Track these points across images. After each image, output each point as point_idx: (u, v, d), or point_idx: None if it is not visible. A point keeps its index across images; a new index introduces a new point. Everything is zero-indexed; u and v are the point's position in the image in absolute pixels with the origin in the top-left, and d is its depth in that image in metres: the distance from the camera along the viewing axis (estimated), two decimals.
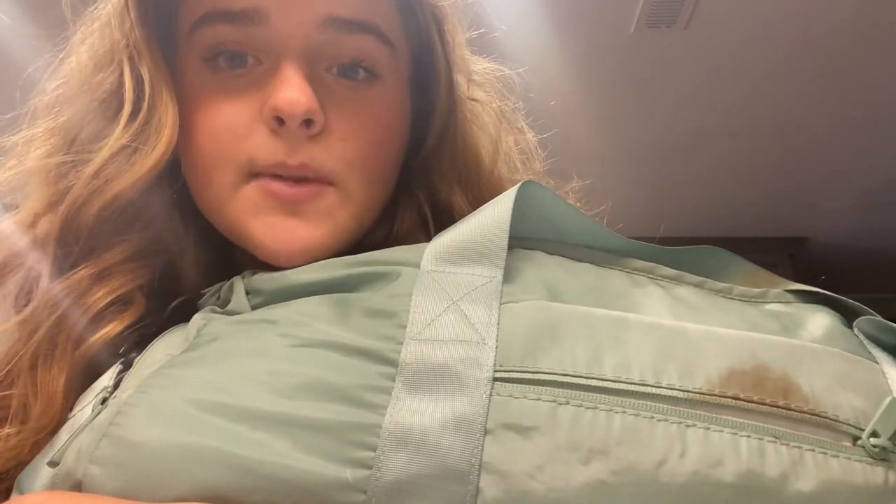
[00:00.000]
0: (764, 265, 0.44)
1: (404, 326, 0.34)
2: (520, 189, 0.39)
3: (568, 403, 0.31)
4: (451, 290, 0.35)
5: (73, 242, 0.47)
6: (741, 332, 0.35)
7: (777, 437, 0.31)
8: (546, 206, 0.41)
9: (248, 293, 0.43)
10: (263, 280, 0.43)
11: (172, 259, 0.51)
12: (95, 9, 0.51)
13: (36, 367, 0.45)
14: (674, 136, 2.73)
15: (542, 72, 2.28)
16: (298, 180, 0.45)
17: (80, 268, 0.47)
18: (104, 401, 0.37)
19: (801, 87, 2.44)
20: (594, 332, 0.34)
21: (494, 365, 0.32)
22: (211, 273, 0.52)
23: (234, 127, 0.45)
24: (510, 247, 0.38)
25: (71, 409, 0.43)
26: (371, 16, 0.47)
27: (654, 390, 0.32)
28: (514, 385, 0.32)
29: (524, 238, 0.41)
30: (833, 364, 0.35)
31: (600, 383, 0.32)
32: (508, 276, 0.37)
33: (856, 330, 0.38)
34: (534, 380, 0.32)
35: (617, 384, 0.32)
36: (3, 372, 0.45)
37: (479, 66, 0.60)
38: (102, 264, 0.47)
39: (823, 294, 0.40)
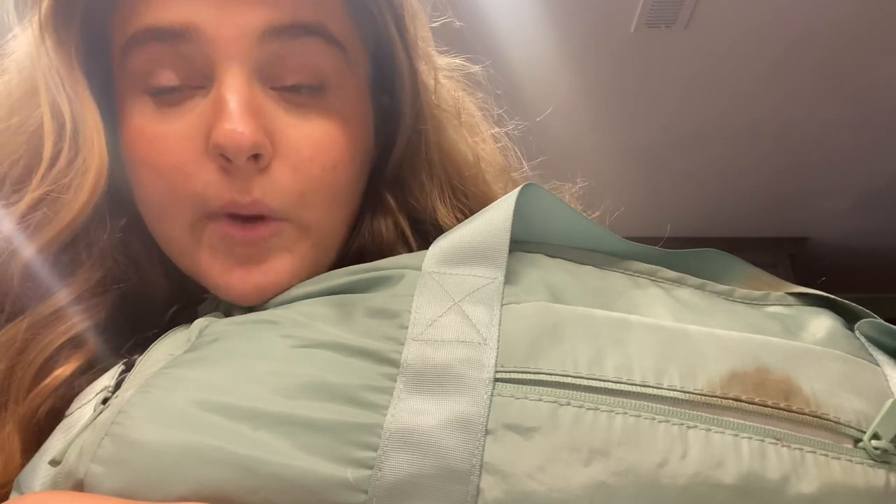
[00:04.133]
0: (764, 265, 0.44)
1: (406, 327, 0.34)
2: (521, 192, 0.39)
3: (569, 404, 0.31)
4: (452, 291, 0.35)
5: (4, 297, 0.44)
6: (743, 333, 0.35)
7: (778, 439, 0.31)
8: (547, 209, 0.41)
9: (251, 309, 0.43)
10: None
11: (131, 289, 0.47)
12: (13, 38, 0.47)
13: None
14: (673, 135, 2.73)
15: (542, 71, 2.28)
16: (253, 219, 0.42)
17: (18, 319, 0.43)
18: (105, 400, 0.37)
19: (801, 86, 2.44)
20: (596, 333, 0.34)
21: (496, 365, 0.32)
22: (185, 288, 0.49)
23: (182, 165, 0.42)
24: (511, 251, 0.38)
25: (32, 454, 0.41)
26: (316, 16, 0.43)
27: (655, 391, 0.32)
28: (516, 386, 0.32)
29: (525, 241, 0.41)
30: (834, 366, 0.35)
31: (602, 384, 0.32)
32: (510, 278, 0.37)
33: (857, 332, 0.38)
34: (535, 380, 0.32)
35: (618, 385, 0.32)
36: None
37: (446, 61, 0.56)
38: (45, 311, 0.44)
39: (825, 297, 0.41)
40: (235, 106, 0.40)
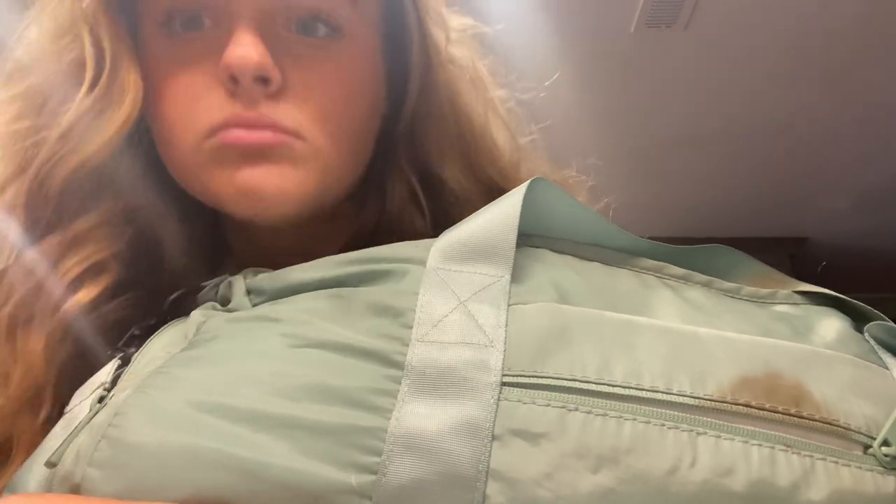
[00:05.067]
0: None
1: (410, 327, 0.33)
2: (529, 186, 0.38)
3: (577, 410, 0.30)
4: (458, 290, 0.35)
5: (42, 209, 0.47)
6: (753, 337, 0.35)
7: (789, 446, 0.31)
8: (554, 204, 0.40)
9: (248, 293, 0.42)
10: (264, 279, 0.42)
11: (149, 226, 0.50)
12: None
13: (14, 334, 0.45)
14: (673, 135, 2.73)
15: (543, 71, 2.27)
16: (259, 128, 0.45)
17: (51, 235, 0.47)
18: (101, 399, 0.36)
19: (801, 86, 2.45)
20: (604, 337, 0.33)
21: (502, 369, 0.31)
22: (200, 245, 0.52)
23: (193, 91, 0.45)
24: (517, 245, 0.37)
25: (52, 376, 0.44)
26: None
27: (664, 397, 0.31)
28: (523, 390, 0.31)
29: (531, 235, 0.40)
30: (845, 370, 0.34)
31: (611, 389, 0.31)
32: (517, 276, 0.36)
33: (866, 335, 0.38)
34: (543, 385, 0.31)
35: (627, 391, 0.31)
36: None
37: (458, 21, 0.58)
38: (74, 231, 0.47)
39: (833, 296, 0.40)
40: (244, 34, 0.44)
